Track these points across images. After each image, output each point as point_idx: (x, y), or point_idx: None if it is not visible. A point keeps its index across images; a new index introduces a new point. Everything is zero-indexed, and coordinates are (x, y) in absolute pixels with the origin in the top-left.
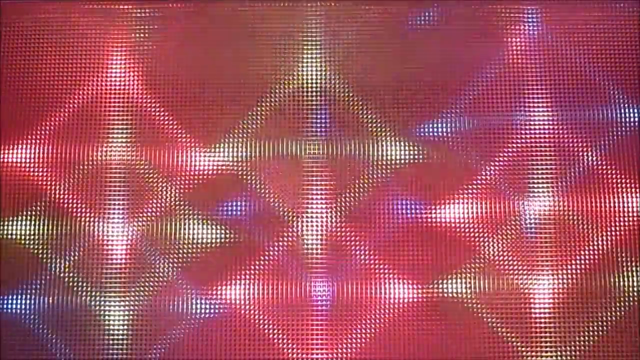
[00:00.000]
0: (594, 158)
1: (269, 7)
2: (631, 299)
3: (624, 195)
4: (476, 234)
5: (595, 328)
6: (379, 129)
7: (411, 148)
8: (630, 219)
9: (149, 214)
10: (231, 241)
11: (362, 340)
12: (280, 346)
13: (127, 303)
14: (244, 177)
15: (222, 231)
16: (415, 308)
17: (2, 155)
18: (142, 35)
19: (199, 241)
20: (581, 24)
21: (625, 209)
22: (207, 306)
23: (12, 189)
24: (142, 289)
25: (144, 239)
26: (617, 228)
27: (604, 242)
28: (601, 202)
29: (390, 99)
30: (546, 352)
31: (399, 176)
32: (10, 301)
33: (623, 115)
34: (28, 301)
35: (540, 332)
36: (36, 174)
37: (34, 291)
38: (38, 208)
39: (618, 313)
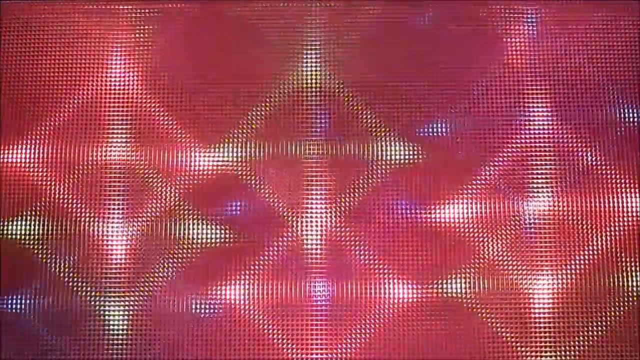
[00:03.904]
0: (594, 158)
1: (268, 7)
2: (631, 299)
3: (624, 195)
4: (476, 234)
5: (595, 328)
6: (379, 129)
7: (411, 148)
8: (630, 219)
9: (149, 214)
10: (231, 241)
11: (361, 340)
12: (280, 346)
13: (127, 303)
14: (244, 177)
15: (222, 231)
16: (415, 308)
17: (2, 155)
18: (142, 35)
19: (199, 241)
20: (581, 24)
21: (625, 209)
22: (207, 306)
23: (12, 189)
24: (142, 289)
25: (144, 239)
26: (617, 228)
27: (604, 242)
28: (601, 202)
29: (390, 99)
30: (546, 352)
31: (399, 176)
32: (10, 301)
33: (623, 115)
34: (28, 301)
35: (540, 332)
36: (36, 174)
37: (34, 291)
38: (38, 208)
39: (618, 313)
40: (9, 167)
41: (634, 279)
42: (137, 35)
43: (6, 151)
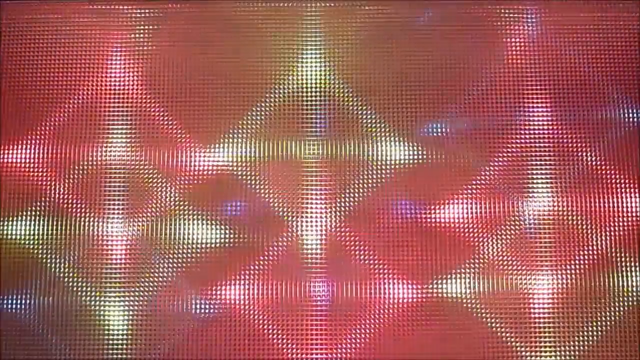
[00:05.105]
0: (594, 158)
1: (268, 7)
2: (631, 299)
3: (624, 195)
4: (476, 234)
5: (595, 328)
6: (379, 129)
7: (411, 148)
8: (630, 219)
9: (149, 214)
10: (231, 241)
11: (362, 340)
12: (280, 346)
13: (127, 303)
14: (244, 177)
15: (222, 231)
16: (415, 308)
17: (2, 155)
18: (142, 35)
19: (199, 241)
20: (581, 24)
21: (625, 209)
22: (207, 306)
23: (12, 189)
24: (142, 289)
25: (144, 239)
26: (617, 228)
27: (604, 242)
28: (601, 202)
29: (390, 99)
30: (546, 352)
31: (399, 176)
32: (10, 301)
33: (623, 115)
34: (28, 301)
35: (540, 332)
36: (36, 174)
37: (34, 291)
38: (38, 208)
39: (618, 313)
40: (9, 167)
41: (634, 279)
42: (137, 35)
43: (6, 151)
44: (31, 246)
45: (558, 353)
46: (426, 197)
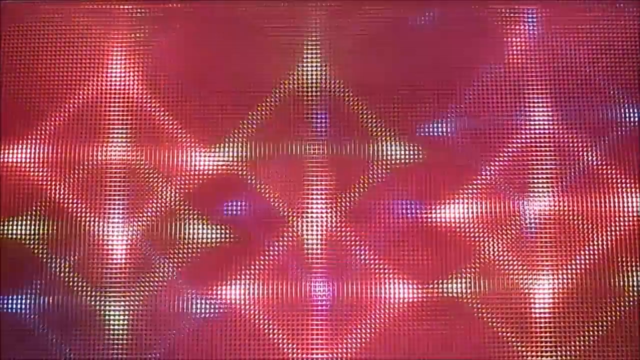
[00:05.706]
0: (594, 158)
1: (269, 7)
2: (631, 299)
3: (624, 195)
4: (476, 234)
5: (595, 328)
6: (379, 129)
7: (411, 148)
8: (630, 219)
9: (149, 214)
10: (231, 241)
11: (362, 340)
12: (280, 346)
13: (127, 303)
14: (244, 177)
15: (222, 231)
16: (415, 308)
17: (2, 155)
18: (142, 35)
19: (199, 241)
20: (581, 24)
21: (625, 209)
22: (207, 306)
23: (12, 189)
24: (142, 289)
25: (144, 239)
26: (617, 228)
27: (604, 242)
28: (601, 202)
29: (391, 99)
30: (546, 352)
31: (399, 176)
32: (10, 301)
33: (623, 115)
34: (28, 301)
35: (540, 332)
36: (36, 174)
37: (34, 291)
38: (38, 208)
39: (618, 313)
40: (9, 167)
41: (634, 279)
42: (137, 35)
43: (6, 151)
44: (31, 246)
45: (558, 353)
46: (427, 197)
